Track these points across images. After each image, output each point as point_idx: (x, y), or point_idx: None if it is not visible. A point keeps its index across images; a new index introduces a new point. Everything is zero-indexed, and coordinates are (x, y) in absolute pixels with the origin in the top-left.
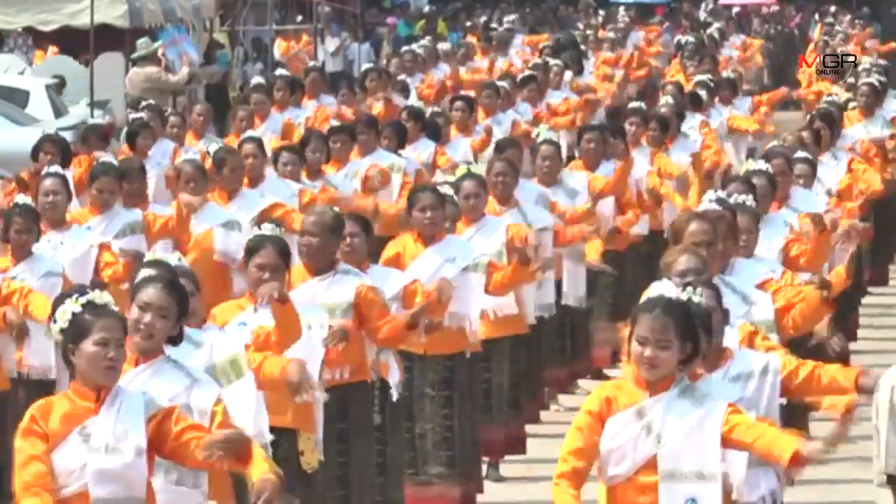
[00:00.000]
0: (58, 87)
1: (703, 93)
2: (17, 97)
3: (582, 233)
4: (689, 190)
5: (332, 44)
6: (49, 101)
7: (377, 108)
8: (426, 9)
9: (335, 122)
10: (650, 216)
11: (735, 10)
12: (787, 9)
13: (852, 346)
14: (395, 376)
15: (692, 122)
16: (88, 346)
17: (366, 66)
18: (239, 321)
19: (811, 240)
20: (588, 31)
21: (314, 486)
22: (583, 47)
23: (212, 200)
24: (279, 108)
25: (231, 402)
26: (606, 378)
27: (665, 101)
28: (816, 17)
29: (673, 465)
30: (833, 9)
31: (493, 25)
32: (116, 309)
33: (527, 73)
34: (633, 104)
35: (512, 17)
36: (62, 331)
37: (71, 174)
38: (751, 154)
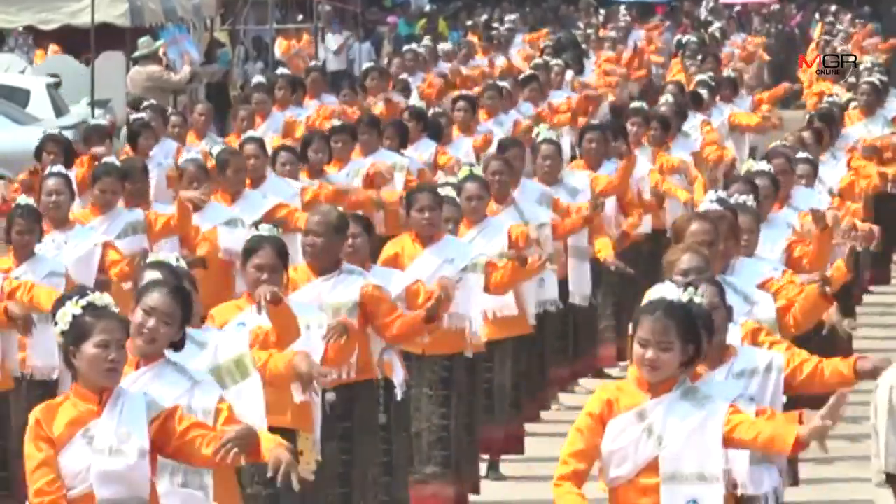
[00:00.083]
0: (54, 87)
1: (704, 92)
2: (18, 96)
3: (581, 219)
4: (693, 184)
5: (334, 41)
6: (50, 100)
7: (378, 107)
8: (427, 8)
9: (336, 122)
10: (653, 215)
11: (736, 8)
12: (788, 7)
13: (854, 346)
14: (399, 375)
15: (693, 121)
16: (89, 348)
17: (366, 65)
18: (238, 322)
19: (813, 239)
20: (589, 31)
21: (313, 484)
22: (584, 46)
23: (215, 201)
24: (280, 107)
25: (236, 402)
26: (607, 377)
27: (665, 99)
28: (817, 16)
29: (674, 467)
30: (833, 8)
31: (494, 24)
32: (117, 310)
33: (528, 72)
34: (635, 104)
35: (513, 16)
36: (63, 333)
37: (74, 174)
38: (752, 153)
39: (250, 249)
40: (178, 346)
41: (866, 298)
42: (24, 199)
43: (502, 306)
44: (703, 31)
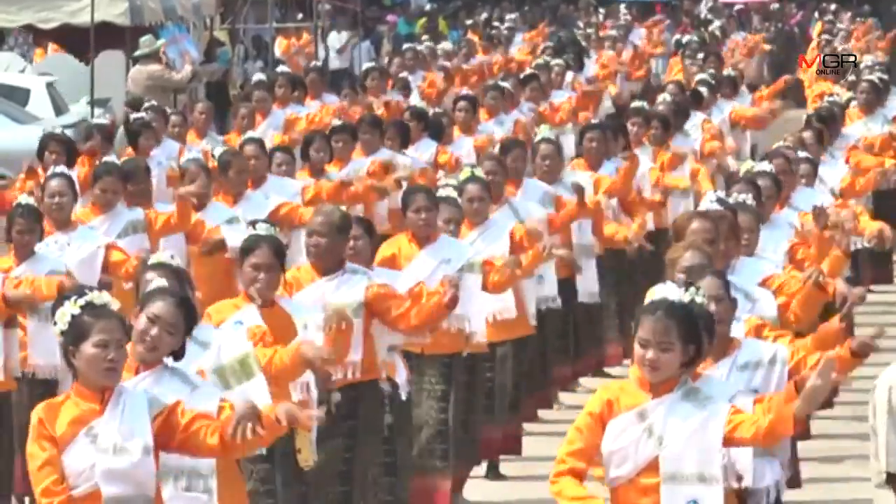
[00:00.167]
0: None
1: (704, 90)
2: (18, 95)
3: (575, 206)
4: (696, 177)
5: (336, 40)
6: (49, 99)
7: (380, 110)
8: (427, 7)
9: (337, 122)
10: (654, 214)
11: (736, 7)
12: (788, 6)
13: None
14: (402, 375)
15: (694, 119)
16: (88, 347)
17: (367, 65)
18: (235, 320)
19: (814, 239)
20: (589, 30)
21: (311, 482)
22: (584, 45)
23: (216, 202)
24: (280, 105)
25: (241, 402)
26: (608, 377)
27: (663, 98)
28: (817, 14)
29: (674, 468)
30: (833, 6)
31: (494, 23)
32: (116, 309)
33: (528, 71)
34: (635, 104)
35: (512, 15)
36: (62, 333)
37: (75, 174)
38: (753, 150)
39: (247, 248)
40: (178, 355)
41: (867, 298)
42: (24, 199)
43: (502, 309)
44: (703, 29)
